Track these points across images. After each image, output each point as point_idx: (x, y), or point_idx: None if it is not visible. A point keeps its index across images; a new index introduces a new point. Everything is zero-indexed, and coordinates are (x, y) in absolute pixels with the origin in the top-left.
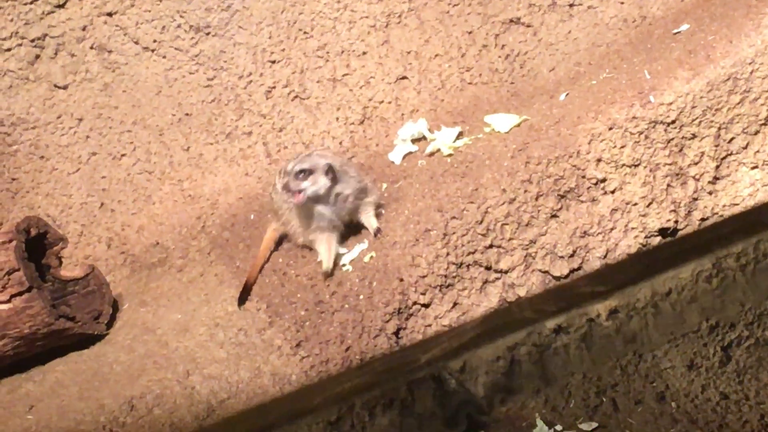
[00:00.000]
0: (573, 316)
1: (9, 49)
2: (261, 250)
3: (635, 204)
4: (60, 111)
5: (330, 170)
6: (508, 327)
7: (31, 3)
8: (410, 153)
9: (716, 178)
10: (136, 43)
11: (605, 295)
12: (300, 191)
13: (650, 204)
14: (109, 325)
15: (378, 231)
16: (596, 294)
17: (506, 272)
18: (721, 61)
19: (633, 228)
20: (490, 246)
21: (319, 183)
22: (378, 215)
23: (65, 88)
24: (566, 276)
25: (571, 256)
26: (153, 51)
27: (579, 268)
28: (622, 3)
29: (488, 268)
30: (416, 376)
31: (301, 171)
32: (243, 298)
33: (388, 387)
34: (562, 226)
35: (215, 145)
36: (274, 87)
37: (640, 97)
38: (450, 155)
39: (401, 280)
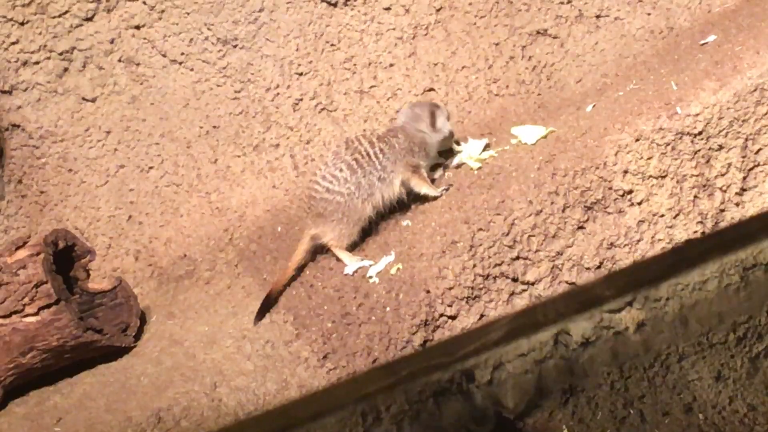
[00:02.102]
0: (600, 329)
1: (37, 62)
2: (292, 261)
3: (662, 215)
4: (88, 124)
5: None
6: (529, 327)
7: (59, 16)
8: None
9: (743, 189)
10: (164, 55)
11: (626, 296)
12: None
13: (677, 215)
14: (137, 337)
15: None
16: (618, 295)
17: (533, 284)
18: (748, 71)
19: (660, 239)
20: (517, 258)
21: None
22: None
23: (93, 100)
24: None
25: (598, 267)
26: (180, 64)
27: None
28: (649, 14)
29: (515, 280)
30: (442, 384)
31: None
32: (263, 310)
33: (413, 394)
34: (589, 237)
35: (243, 157)
36: (301, 99)
37: (667, 108)
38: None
39: (428, 291)
